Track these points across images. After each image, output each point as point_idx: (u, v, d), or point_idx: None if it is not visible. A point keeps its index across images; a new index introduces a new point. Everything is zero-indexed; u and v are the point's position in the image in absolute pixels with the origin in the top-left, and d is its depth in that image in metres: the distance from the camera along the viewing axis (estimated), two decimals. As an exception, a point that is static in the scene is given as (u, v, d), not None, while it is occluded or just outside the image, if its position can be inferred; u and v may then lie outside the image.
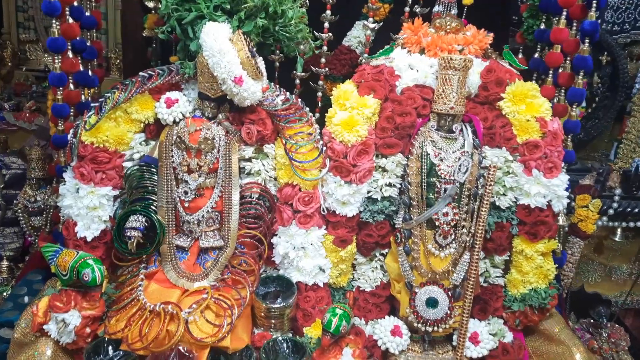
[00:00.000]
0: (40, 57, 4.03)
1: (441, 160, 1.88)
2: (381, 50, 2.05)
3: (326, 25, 2.40)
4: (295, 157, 1.89)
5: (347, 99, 1.90)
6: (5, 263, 2.78)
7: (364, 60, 2.51)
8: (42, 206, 2.76)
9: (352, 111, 1.88)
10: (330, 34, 2.42)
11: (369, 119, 1.89)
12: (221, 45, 1.72)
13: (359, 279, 2.08)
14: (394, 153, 1.92)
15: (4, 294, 2.65)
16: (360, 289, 2.05)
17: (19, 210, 2.78)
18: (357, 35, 2.63)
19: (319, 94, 2.56)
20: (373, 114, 1.90)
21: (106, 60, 3.98)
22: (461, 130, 1.94)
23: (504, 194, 1.95)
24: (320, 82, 2.52)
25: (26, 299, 2.25)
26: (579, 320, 2.92)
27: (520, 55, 2.55)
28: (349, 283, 2.09)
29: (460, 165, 1.88)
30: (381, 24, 2.48)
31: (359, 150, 1.87)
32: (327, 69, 2.52)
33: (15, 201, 2.78)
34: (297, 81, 2.49)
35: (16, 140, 3.60)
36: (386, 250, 2.08)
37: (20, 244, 2.99)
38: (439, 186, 1.89)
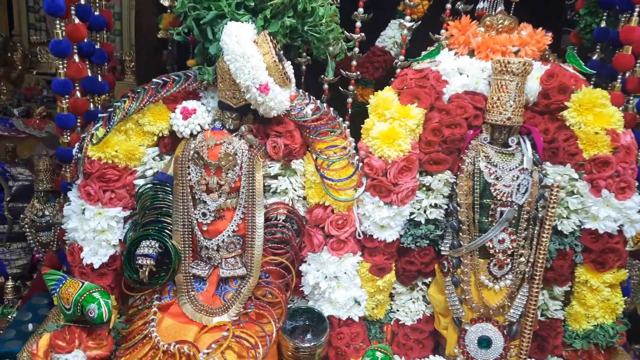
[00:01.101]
0: (52, 60, 3.88)
1: (497, 179, 1.65)
2: (426, 53, 1.82)
3: (358, 24, 2.20)
4: (328, 175, 1.68)
5: (387, 108, 1.68)
6: (10, 283, 2.62)
7: (399, 63, 2.32)
8: (50, 221, 2.59)
9: (393, 122, 1.66)
10: (363, 34, 2.21)
11: (412, 132, 1.67)
12: (245, 49, 1.52)
13: (397, 310, 1.88)
14: (442, 170, 1.69)
15: (9, 316, 2.49)
16: (400, 322, 1.83)
17: (26, 225, 2.61)
18: (392, 35, 2.43)
19: (349, 100, 2.37)
20: (417, 125, 1.67)
21: (120, 63, 3.82)
22: (518, 143, 1.70)
23: (567, 217, 1.71)
24: (351, 87, 2.32)
25: (30, 326, 2.07)
26: (631, 345, 2.65)
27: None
28: (386, 315, 1.87)
29: (519, 185, 1.65)
30: (419, 22, 2.26)
31: (401, 167, 1.65)
32: (358, 73, 2.33)
33: (22, 215, 2.60)
34: (326, 86, 2.30)
35: (26, 148, 3.46)
36: (429, 279, 1.86)
37: (28, 261, 2.83)
38: (494, 209, 1.67)
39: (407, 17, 2.25)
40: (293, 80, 1.69)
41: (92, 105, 2.06)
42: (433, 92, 1.71)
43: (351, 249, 1.75)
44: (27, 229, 2.57)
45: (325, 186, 1.69)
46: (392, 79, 2.29)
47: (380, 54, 2.43)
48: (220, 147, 1.66)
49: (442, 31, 2.22)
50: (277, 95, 1.59)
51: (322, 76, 2.29)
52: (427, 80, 1.72)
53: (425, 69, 1.75)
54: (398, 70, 2.32)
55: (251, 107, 1.64)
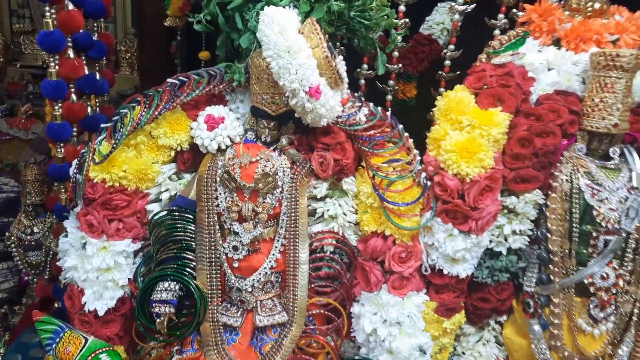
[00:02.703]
0: (37, 51, 3.53)
1: (601, 201, 1.35)
2: (508, 43, 1.51)
3: (401, 8, 1.94)
4: (388, 197, 1.38)
5: (463, 112, 1.38)
6: (-5, 311, 2.31)
7: (448, 54, 2.03)
8: (41, 238, 2.28)
9: (473, 131, 1.36)
10: (407, 20, 1.91)
11: (496, 142, 1.37)
12: (291, 41, 1.21)
13: (464, 353, 1.64)
14: (530, 189, 1.41)
15: (-5, 355, 2.19)
16: (469, 369, 1.55)
17: (13, 245, 2.30)
18: (441, 20, 2.14)
19: (389, 97, 2.09)
20: (502, 134, 1.36)
21: (114, 53, 3.47)
22: (621, 155, 1.40)
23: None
24: (391, 82, 2.07)
25: (20, 376, 1.77)
26: None
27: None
28: (449, 358, 1.58)
29: (628, 208, 1.34)
30: (473, 5, 1.99)
31: (483, 187, 1.34)
32: (400, 65, 2.06)
33: (7, 233, 2.28)
34: (362, 81, 2.01)
35: (10, 151, 3.14)
36: (504, 317, 1.56)
37: (16, 282, 2.53)
38: (596, 237, 1.38)
39: (460, 0, 1.98)
40: (346, 79, 1.37)
41: (89, 109, 1.72)
42: (519, 92, 1.41)
43: (415, 287, 1.46)
44: (14, 249, 2.28)
45: (386, 211, 1.39)
46: (440, 73, 2.04)
47: (425, 43, 2.13)
48: (256, 166, 1.35)
49: (500, 15, 1.95)
50: (329, 100, 1.29)
51: (358, 69, 2.01)
52: (512, 78, 1.41)
53: (507, 64, 1.44)
54: (447, 62, 2.05)
55: (295, 114, 1.33)
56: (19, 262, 2.32)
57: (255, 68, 1.33)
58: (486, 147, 1.36)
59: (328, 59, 1.28)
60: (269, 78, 1.31)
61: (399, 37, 1.83)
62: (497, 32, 2.00)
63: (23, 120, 3.17)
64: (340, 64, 1.35)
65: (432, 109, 2.05)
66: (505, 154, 1.41)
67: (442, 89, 2.05)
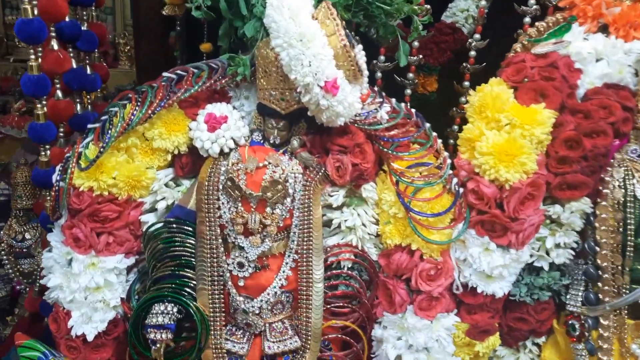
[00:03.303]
0: (32, 44, 3.38)
1: (661, 211, 1.18)
2: (550, 31, 1.34)
3: None
4: (414, 206, 1.21)
5: (501, 109, 1.21)
6: (-17, 326, 2.18)
7: (474, 44, 1.86)
8: (33, 245, 2.15)
9: (513, 130, 1.19)
10: (428, 7, 1.73)
11: (539, 144, 1.20)
12: (304, 28, 1.05)
13: None
14: (577, 197, 1.24)
15: (-17, 371, 2.05)
16: (502, 396, 1.39)
17: (3, 252, 2.16)
18: (465, 7, 2.01)
19: (408, 91, 1.92)
20: (546, 134, 1.19)
21: (113, 47, 3.33)
22: (680, 157, 1.23)
23: None
24: (411, 76, 1.88)
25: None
26: None
27: None
28: (480, 382, 1.42)
29: (692, 219, 1.18)
30: (502, -10, 1.79)
31: (525, 195, 1.18)
32: (420, 57, 1.88)
33: (-3, 239, 2.15)
34: (379, 74, 1.84)
35: (2, 151, 3.00)
36: (542, 338, 1.41)
37: (8, 291, 2.41)
38: (654, 252, 1.20)
39: (486, -16, 1.81)
40: (366, 72, 1.21)
41: (79, 107, 1.57)
42: (565, 86, 1.24)
43: (445, 307, 1.30)
44: (4, 257, 2.15)
45: (412, 222, 1.22)
46: (464, 65, 1.88)
47: (448, 32, 1.98)
48: (263, 172, 1.19)
49: (531, 1, 1.78)
50: (348, 96, 1.12)
51: (375, 61, 1.83)
52: (556, 70, 1.24)
53: (550, 54, 1.27)
54: (472, 53, 1.88)
55: (308, 113, 1.16)
56: (10, 271, 2.19)
57: (262, 60, 1.17)
58: (528, 149, 1.19)
59: (346, 48, 1.12)
60: (277, 71, 1.15)
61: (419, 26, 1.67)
62: (527, 19, 1.83)
63: (16, 118, 3.04)
64: (360, 54, 1.19)
65: (455, 106, 1.93)
66: (549, 157, 1.24)
67: (466, 83, 1.89)
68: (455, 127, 1.92)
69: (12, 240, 2.12)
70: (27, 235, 2.14)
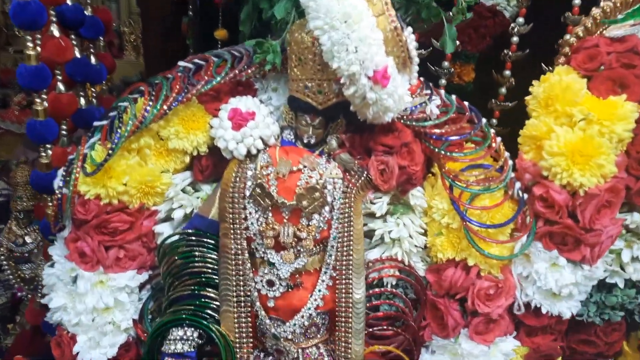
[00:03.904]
0: (33, 34, 3.22)
1: None
2: (628, 11, 1.16)
3: None
4: (471, 215, 1.05)
5: (573, 102, 1.05)
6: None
7: (516, 29, 1.70)
8: (35, 250, 2.02)
9: (589, 127, 1.03)
10: (468, -12, 1.57)
11: (620, 142, 1.03)
12: (349, 7, 0.89)
13: None
14: (661, 205, 1.06)
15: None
16: None
17: (3, 257, 2.04)
18: None
19: (443, 81, 1.76)
20: (629, 131, 1.03)
21: (117, 36, 3.18)
22: None
23: None
24: (446, 64, 1.73)
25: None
26: None
27: None
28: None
29: None
30: (548, -32, 1.64)
31: (602, 203, 1.01)
32: (457, 43, 1.68)
33: (-4, 242, 2.01)
34: (411, 63, 1.67)
35: (2, 147, 2.85)
36: (610, 363, 1.25)
37: (8, 298, 2.30)
38: None
39: (531, -37, 1.65)
40: (416, 59, 1.04)
41: (83, 101, 1.42)
42: (647, 74, 1.06)
43: (504, 330, 1.14)
44: (4, 262, 2.02)
45: (469, 233, 1.06)
46: (505, 52, 1.73)
47: (488, 16, 1.80)
48: (298, 177, 1.04)
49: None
50: (398, 88, 0.96)
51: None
52: (637, 56, 1.07)
53: (628, 37, 1.10)
54: (514, 39, 1.72)
55: (351, 108, 1.00)
56: (10, 277, 2.06)
57: (297, 45, 1.01)
58: (607, 148, 1.03)
59: (397, 30, 0.96)
60: (315, 59, 0.99)
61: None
62: (577, 1, 1.67)
63: (16, 112, 2.89)
64: (410, 38, 1.02)
65: (494, 97, 1.76)
66: (629, 158, 1.07)
67: (507, 72, 1.73)
68: (494, 120, 1.76)
69: (12, 244, 2.00)
70: (28, 239, 2.02)
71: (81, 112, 1.41)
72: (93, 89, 1.58)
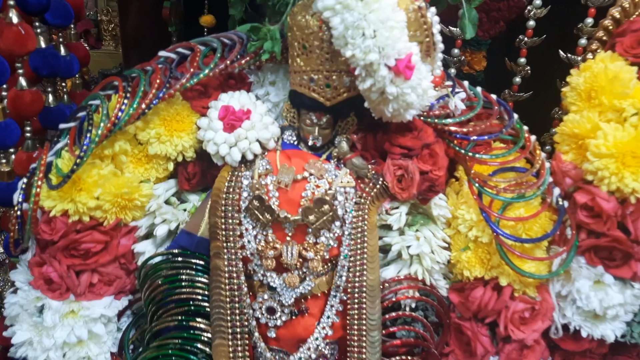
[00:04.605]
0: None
1: None
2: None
3: None
4: (504, 227, 0.91)
5: (623, 94, 0.92)
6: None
7: (533, 12, 1.56)
8: (6, 261, 1.86)
9: (642, 124, 0.88)
10: (481, -34, 1.43)
11: (679, 142, 0.89)
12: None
13: None
14: None
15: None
16: None
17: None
18: None
19: (452, 70, 1.62)
20: (688, 129, 0.89)
21: (95, 25, 2.99)
22: None
23: None
24: (456, 51, 1.61)
25: None
26: None
27: None
28: None
29: None
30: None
31: (657, 213, 0.87)
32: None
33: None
34: (419, 51, 1.52)
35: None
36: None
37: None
38: None
39: None
40: (440, 46, 0.89)
41: (51, 99, 1.25)
42: None
43: (539, 356, 1.01)
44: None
45: (502, 248, 0.92)
46: (519, 37, 1.59)
47: (502, -3, 1.64)
48: (303, 186, 0.89)
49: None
50: (423, 80, 0.80)
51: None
52: (695, 39, 0.92)
53: (683, 17, 0.95)
54: (530, 23, 1.58)
55: (365, 104, 0.85)
56: (-24, 291, 1.88)
57: (300, 31, 0.85)
58: (664, 149, 0.88)
59: (422, 11, 0.81)
60: (322, 46, 0.84)
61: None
62: (596, -21, 1.53)
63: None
64: (435, 20, 0.87)
65: (508, 88, 1.63)
66: (687, 159, 0.93)
67: (521, 59, 1.60)
68: (510, 112, 1.62)
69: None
70: (-7, 248, 1.82)
71: (49, 111, 1.26)
72: (64, 84, 1.42)
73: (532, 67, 1.57)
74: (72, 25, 1.43)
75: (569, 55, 1.36)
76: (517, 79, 1.59)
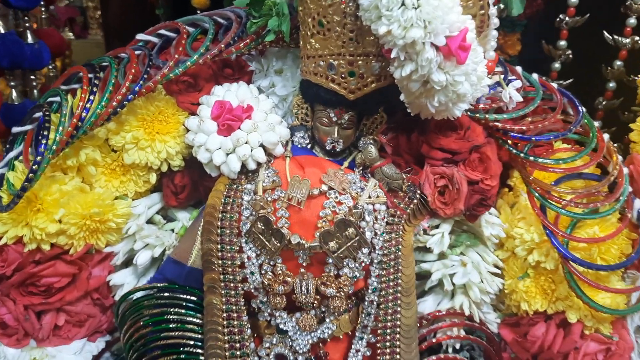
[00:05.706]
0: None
1: None
2: None
3: None
4: (574, 250, 0.74)
5: None
6: None
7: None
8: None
9: None
10: None
11: None
12: None
13: None
14: None
15: None
16: None
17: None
18: None
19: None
20: None
21: (81, 12, 2.84)
22: None
23: None
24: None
25: None
26: None
27: None
28: None
29: None
30: None
31: None
32: (500, 6, 1.41)
33: None
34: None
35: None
36: None
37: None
38: None
39: None
40: (495, 21, 0.70)
41: (14, 94, 1.08)
42: None
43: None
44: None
45: (572, 277, 0.74)
46: (559, 17, 1.49)
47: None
48: (320, 204, 0.71)
49: None
50: (479, 65, 0.62)
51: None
52: None
53: None
54: (573, 0, 1.45)
55: (402, 97, 0.66)
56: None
57: (315, 3, 0.67)
58: None
59: (477, -25, 0.62)
60: (345, 22, 0.67)
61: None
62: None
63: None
64: (489, -9, 0.69)
65: (546, 75, 1.51)
66: None
67: (562, 42, 1.47)
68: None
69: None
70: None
71: (11, 109, 1.07)
72: (34, 77, 1.24)
73: (573, 51, 1.44)
74: (42, 9, 1.25)
75: (615, 36, 1.26)
76: (557, 65, 1.46)
